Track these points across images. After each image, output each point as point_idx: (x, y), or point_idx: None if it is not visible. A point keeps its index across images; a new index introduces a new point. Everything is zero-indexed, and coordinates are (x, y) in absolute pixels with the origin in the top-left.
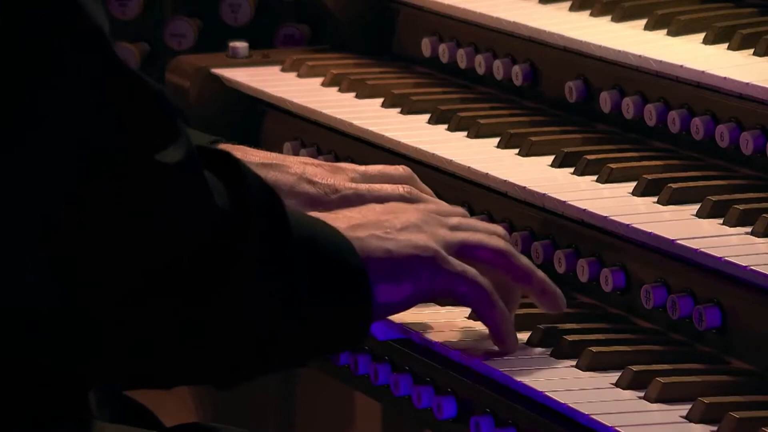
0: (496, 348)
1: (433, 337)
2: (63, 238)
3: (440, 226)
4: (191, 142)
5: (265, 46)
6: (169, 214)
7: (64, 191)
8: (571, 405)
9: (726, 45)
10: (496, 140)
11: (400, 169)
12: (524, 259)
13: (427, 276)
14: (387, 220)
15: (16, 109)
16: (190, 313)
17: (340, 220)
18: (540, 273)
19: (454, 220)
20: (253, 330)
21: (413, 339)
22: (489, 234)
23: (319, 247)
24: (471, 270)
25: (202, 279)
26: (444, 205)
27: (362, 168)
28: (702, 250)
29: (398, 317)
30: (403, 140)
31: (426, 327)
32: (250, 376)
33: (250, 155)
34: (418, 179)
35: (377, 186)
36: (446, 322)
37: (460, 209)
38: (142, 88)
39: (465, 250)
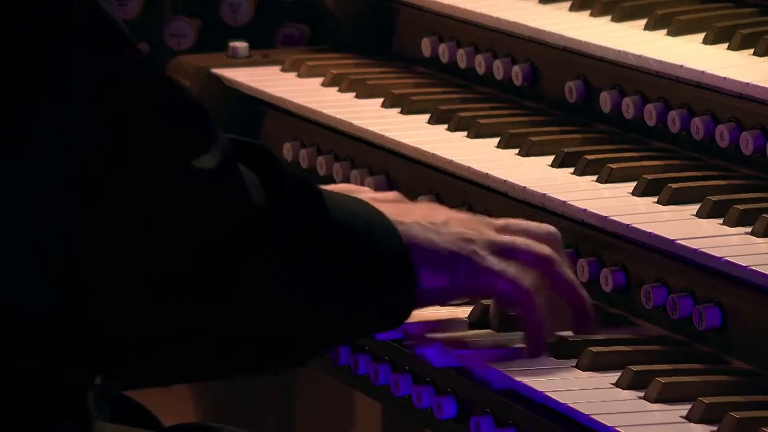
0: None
1: (434, 336)
2: (89, 243)
3: (486, 227)
4: (227, 143)
5: (265, 46)
6: (207, 218)
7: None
8: (571, 405)
9: (726, 45)
10: (496, 140)
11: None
12: (568, 272)
13: (465, 272)
14: (433, 215)
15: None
16: (231, 312)
17: (389, 207)
18: (581, 290)
19: (501, 221)
20: (297, 318)
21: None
22: (537, 237)
23: (360, 230)
24: (512, 269)
25: (242, 278)
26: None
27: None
28: (702, 250)
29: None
30: (403, 140)
31: (426, 326)
32: (298, 362)
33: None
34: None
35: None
36: (446, 321)
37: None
38: (177, 93)
39: (508, 253)
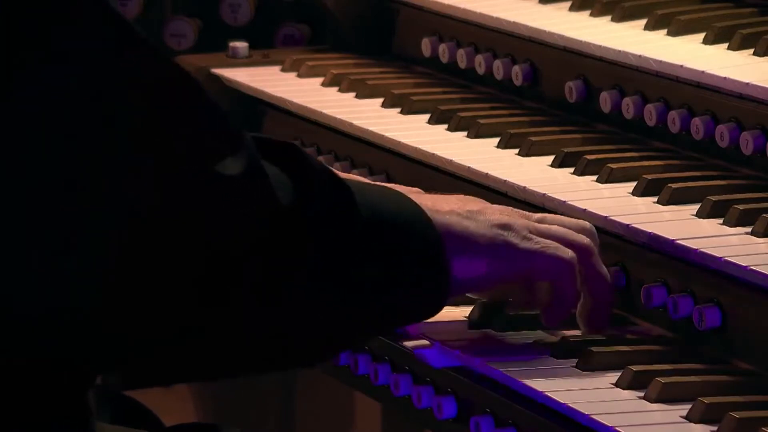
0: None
1: (434, 336)
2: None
3: (522, 216)
4: (251, 144)
5: (265, 46)
6: (234, 222)
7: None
8: (571, 405)
9: (726, 45)
10: (496, 140)
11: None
12: (603, 266)
13: (504, 256)
14: (469, 205)
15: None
16: (263, 313)
17: (423, 198)
18: (611, 288)
19: (538, 215)
20: (329, 316)
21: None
22: (575, 230)
23: (392, 223)
24: (552, 244)
25: (275, 280)
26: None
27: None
28: (702, 250)
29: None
30: (403, 140)
31: (426, 326)
32: (331, 355)
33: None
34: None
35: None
36: (446, 321)
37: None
38: (198, 94)
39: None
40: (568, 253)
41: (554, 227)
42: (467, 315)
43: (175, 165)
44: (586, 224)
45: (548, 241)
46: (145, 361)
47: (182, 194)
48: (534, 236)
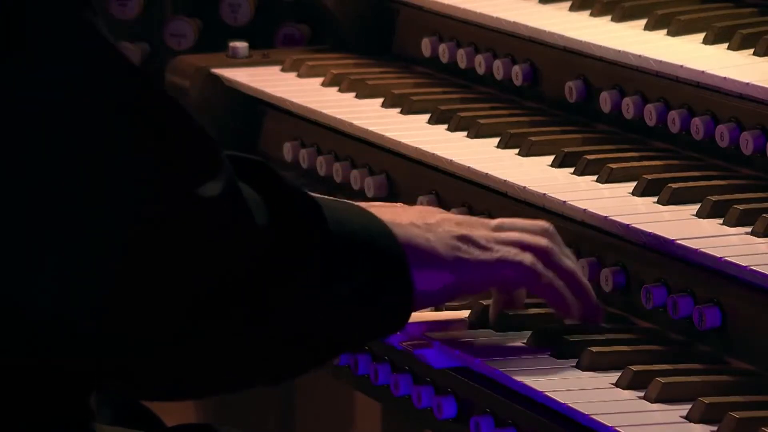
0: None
1: (434, 336)
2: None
3: (481, 225)
4: (230, 166)
5: (265, 46)
6: (210, 245)
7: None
8: (571, 405)
9: (726, 45)
10: (496, 140)
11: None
12: (567, 261)
13: (465, 268)
14: (429, 216)
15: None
16: (239, 332)
17: (384, 211)
18: (583, 278)
19: (496, 221)
20: (301, 332)
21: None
22: (533, 231)
23: (358, 238)
24: (511, 251)
25: (247, 300)
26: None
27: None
28: (702, 250)
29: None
30: (403, 140)
31: (426, 327)
32: (297, 374)
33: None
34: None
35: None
36: (446, 321)
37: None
38: (181, 117)
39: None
40: (528, 257)
41: (511, 234)
42: (467, 315)
43: (156, 187)
44: (544, 224)
45: (507, 248)
46: (136, 372)
47: (161, 217)
48: (493, 245)
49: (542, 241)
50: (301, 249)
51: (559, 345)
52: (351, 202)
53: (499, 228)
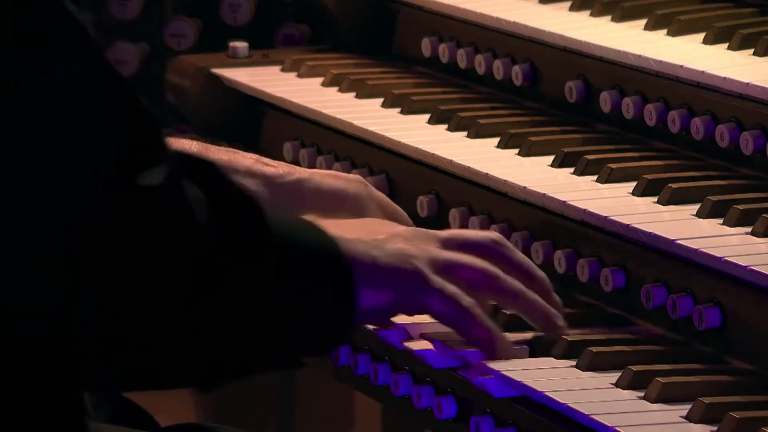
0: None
1: (434, 337)
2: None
3: (428, 241)
4: (175, 162)
5: (265, 46)
6: (149, 235)
7: (56, 203)
8: (571, 405)
9: (726, 45)
10: (496, 140)
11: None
12: (515, 283)
13: (404, 288)
14: (376, 231)
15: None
16: (175, 327)
17: (331, 224)
18: (530, 295)
19: (445, 233)
20: (236, 338)
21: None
22: (481, 247)
23: (302, 249)
24: (450, 287)
25: (184, 296)
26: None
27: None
28: (702, 250)
29: (397, 318)
30: (403, 140)
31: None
32: (233, 380)
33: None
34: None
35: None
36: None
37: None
38: (135, 105)
39: (451, 269)
40: (465, 300)
41: (459, 257)
42: None
43: (96, 171)
44: (494, 235)
45: (447, 285)
46: (75, 358)
47: (96, 202)
48: (434, 276)
49: (487, 268)
50: (239, 252)
51: (559, 345)
52: (301, 216)
53: (448, 242)
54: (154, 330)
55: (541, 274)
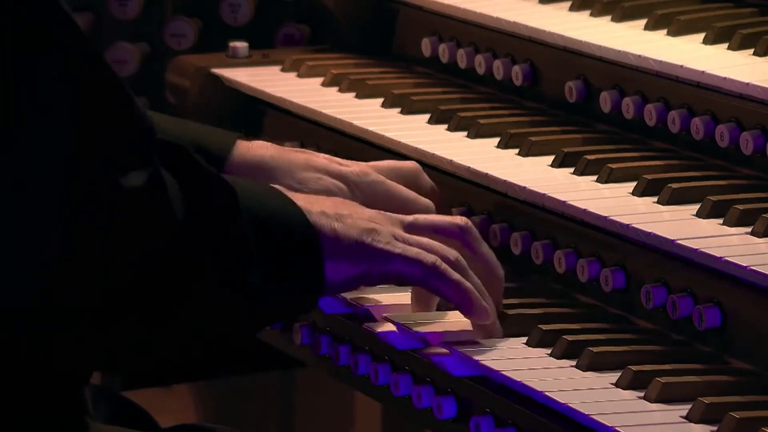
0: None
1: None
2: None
3: (393, 223)
4: (157, 162)
5: (265, 46)
6: (128, 234)
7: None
8: (571, 405)
9: (726, 45)
10: (496, 140)
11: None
12: (473, 277)
13: (366, 259)
14: (343, 208)
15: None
16: (153, 321)
17: (297, 197)
18: (469, 291)
19: (410, 218)
20: (212, 318)
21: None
22: (446, 231)
23: (272, 222)
24: (412, 249)
25: (165, 291)
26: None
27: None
28: (702, 250)
29: (396, 317)
30: (403, 140)
31: (425, 327)
32: (209, 353)
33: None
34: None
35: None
36: (445, 321)
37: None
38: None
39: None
40: (429, 258)
41: (422, 239)
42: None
43: (78, 172)
44: (459, 220)
45: (409, 247)
46: (61, 347)
47: (80, 202)
48: (395, 242)
49: (448, 253)
50: (214, 237)
51: (559, 345)
52: (272, 187)
53: (412, 225)
54: (133, 328)
55: (499, 272)
